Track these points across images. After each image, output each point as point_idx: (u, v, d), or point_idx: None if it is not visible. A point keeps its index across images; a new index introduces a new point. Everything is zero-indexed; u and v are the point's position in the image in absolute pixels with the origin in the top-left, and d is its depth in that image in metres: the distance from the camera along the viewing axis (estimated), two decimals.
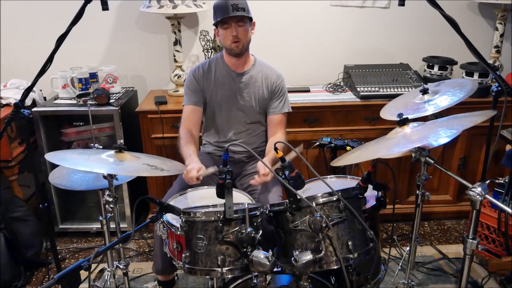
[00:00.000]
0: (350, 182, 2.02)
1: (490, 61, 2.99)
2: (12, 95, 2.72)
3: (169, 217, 1.62)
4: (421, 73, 3.01)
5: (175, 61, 2.86)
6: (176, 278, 2.23)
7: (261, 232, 1.50)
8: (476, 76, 2.79)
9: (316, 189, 1.77)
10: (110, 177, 1.72)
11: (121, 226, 1.90)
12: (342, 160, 1.64)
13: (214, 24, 2.08)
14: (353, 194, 1.54)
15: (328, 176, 2.10)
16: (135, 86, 3.11)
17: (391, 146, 1.50)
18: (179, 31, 2.81)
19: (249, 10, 2.06)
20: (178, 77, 2.86)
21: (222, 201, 1.48)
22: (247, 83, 2.19)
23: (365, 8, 3.05)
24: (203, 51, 2.91)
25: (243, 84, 2.19)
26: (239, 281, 1.86)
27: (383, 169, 2.46)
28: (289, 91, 2.82)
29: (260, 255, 1.42)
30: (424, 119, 1.76)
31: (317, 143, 2.50)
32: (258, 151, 2.27)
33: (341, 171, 2.36)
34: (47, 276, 2.52)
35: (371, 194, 1.73)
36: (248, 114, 2.22)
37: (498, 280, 2.39)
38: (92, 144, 1.93)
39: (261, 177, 1.88)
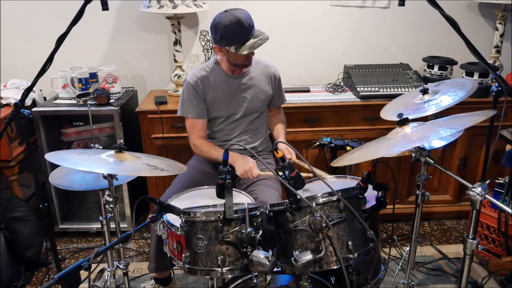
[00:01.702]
0: (350, 182, 2.02)
1: (490, 61, 2.99)
2: (12, 95, 2.72)
3: (169, 217, 1.62)
4: (421, 73, 3.01)
5: (175, 61, 2.86)
6: (172, 275, 2.25)
7: (261, 232, 1.50)
8: (476, 76, 2.79)
9: (316, 189, 1.77)
10: (110, 177, 1.72)
11: (121, 226, 1.90)
12: (342, 160, 1.64)
13: (220, 46, 2.00)
14: (353, 194, 1.55)
15: (328, 176, 2.10)
16: (135, 86, 3.11)
17: (391, 146, 1.50)
18: (179, 31, 2.81)
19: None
20: (178, 77, 2.86)
21: (222, 201, 1.48)
22: (249, 84, 2.19)
23: (365, 8, 3.04)
24: (203, 51, 2.91)
25: (245, 85, 2.19)
26: (239, 281, 1.86)
27: (383, 169, 2.46)
28: (289, 91, 2.86)
29: (260, 255, 1.42)
30: (424, 119, 1.77)
31: (317, 143, 2.51)
32: (259, 150, 2.28)
33: (341, 171, 2.36)
34: (47, 276, 2.52)
35: (371, 194, 1.73)
36: (251, 114, 2.23)
37: (498, 280, 2.39)
38: (92, 144, 1.93)
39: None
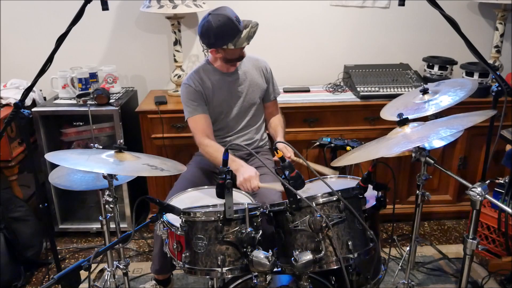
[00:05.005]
0: (350, 182, 2.02)
1: (490, 61, 2.99)
2: (12, 95, 2.72)
3: (169, 217, 1.62)
4: (421, 73, 3.01)
5: (175, 61, 2.86)
6: (171, 275, 2.27)
7: (261, 232, 1.50)
8: (476, 76, 2.79)
9: (316, 189, 1.77)
10: (110, 177, 1.72)
11: (121, 226, 1.90)
12: (342, 160, 1.64)
13: (217, 48, 2.02)
14: (353, 194, 1.54)
15: (328, 176, 2.10)
16: (135, 86, 3.11)
17: (391, 146, 1.50)
18: (179, 31, 2.81)
19: None
20: (178, 77, 2.86)
21: (222, 201, 1.48)
22: (244, 79, 2.22)
23: (365, 8, 3.04)
24: (203, 51, 2.87)
25: (240, 80, 2.21)
26: (239, 281, 1.86)
27: (383, 169, 2.46)
28: (289, 91, 2.87)
29: (260, 255, 1.42)
30: (424, 119, 1.77)
31: (317, 143, 2.50)
32: (258, 146, 2.31)
33: (341, 171, 2.35)
34: (47, 276, 2.52)
35: (371, 194, 1.73)
36: (248, 109, 2.25)
37: (498, 280, 2.39)
38: (92, 144, 1.93)
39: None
